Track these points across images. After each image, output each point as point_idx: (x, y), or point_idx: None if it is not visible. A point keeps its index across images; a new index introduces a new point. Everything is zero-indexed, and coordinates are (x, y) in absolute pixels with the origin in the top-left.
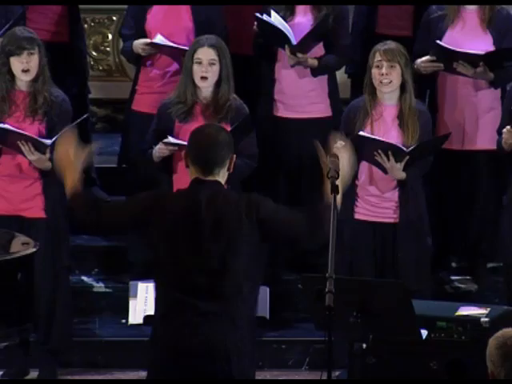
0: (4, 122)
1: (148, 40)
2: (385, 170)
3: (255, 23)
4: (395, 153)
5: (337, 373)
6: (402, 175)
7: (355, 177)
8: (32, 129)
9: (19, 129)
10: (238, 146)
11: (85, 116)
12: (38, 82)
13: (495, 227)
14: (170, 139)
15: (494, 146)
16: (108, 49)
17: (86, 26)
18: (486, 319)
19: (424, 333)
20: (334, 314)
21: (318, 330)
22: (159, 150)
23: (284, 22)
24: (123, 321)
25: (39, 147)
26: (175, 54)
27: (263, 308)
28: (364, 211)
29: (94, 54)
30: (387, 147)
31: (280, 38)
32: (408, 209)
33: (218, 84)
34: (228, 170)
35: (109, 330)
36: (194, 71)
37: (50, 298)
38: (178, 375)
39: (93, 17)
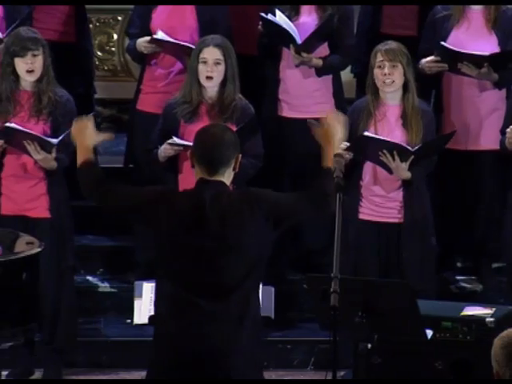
0: (10, 122)
1: (149, 37)
2: (390, 170)
3: (260, 23)
4: (400, 152)
5: (342, 373)
6: (408, 175)
7: (359, 177)
8: (37, 129)
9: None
10: (244, 146)
11: (90, 115)
12: (43, 82)
13: (500, 227)
14: (175, 140)
15: (498, 146)
16: (113, 49)
17: (91, 25)
18: (491, 319)
19: (429, 333)
20: (339, 313)
21: (323, 330)
22: (165, 150)
23: (289, 22)
24: (128, 321)
25: (45, 146)
26: (178, 52)
27: (268, 308)
28: (368, 211)
29: (99, 54)
30: (392, 147)
31: (285, 37)
32: (413, 209)
33: (223, 84)
34: (234, 169)
35: (114, 330)
36: (200, 71)
37: (55, 297)
38: (180, 375)
39: (98, 17)
